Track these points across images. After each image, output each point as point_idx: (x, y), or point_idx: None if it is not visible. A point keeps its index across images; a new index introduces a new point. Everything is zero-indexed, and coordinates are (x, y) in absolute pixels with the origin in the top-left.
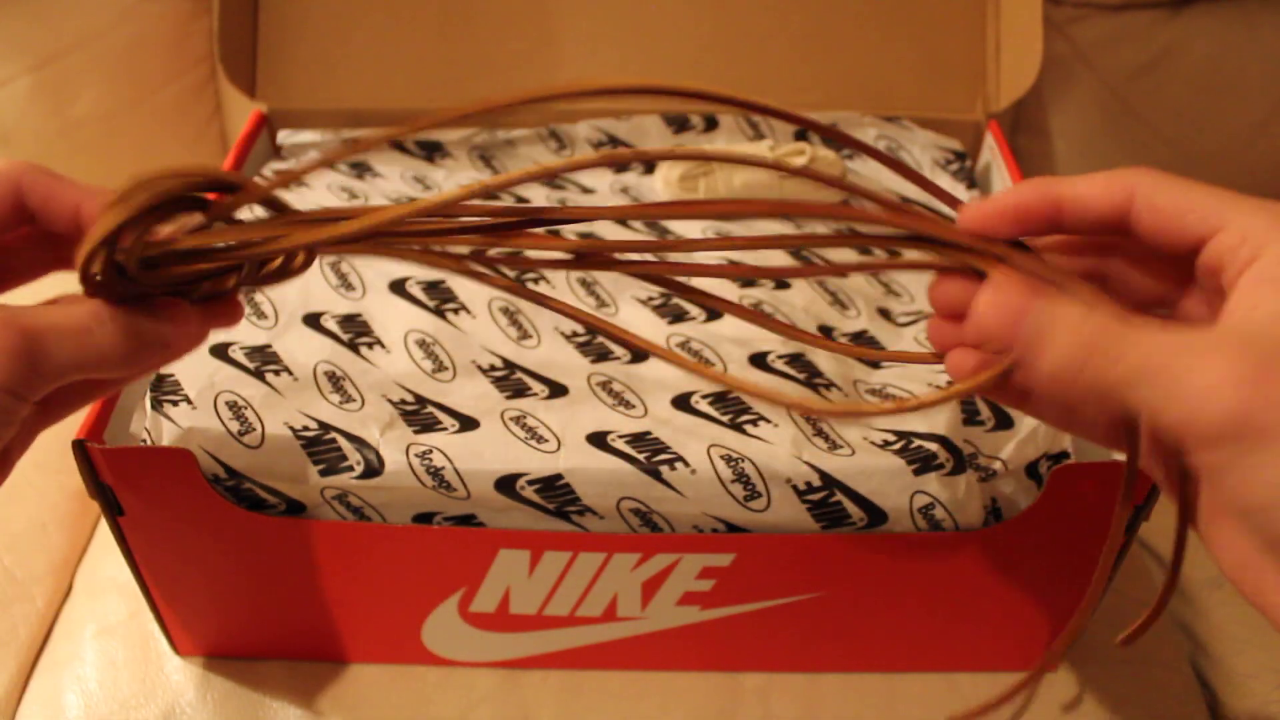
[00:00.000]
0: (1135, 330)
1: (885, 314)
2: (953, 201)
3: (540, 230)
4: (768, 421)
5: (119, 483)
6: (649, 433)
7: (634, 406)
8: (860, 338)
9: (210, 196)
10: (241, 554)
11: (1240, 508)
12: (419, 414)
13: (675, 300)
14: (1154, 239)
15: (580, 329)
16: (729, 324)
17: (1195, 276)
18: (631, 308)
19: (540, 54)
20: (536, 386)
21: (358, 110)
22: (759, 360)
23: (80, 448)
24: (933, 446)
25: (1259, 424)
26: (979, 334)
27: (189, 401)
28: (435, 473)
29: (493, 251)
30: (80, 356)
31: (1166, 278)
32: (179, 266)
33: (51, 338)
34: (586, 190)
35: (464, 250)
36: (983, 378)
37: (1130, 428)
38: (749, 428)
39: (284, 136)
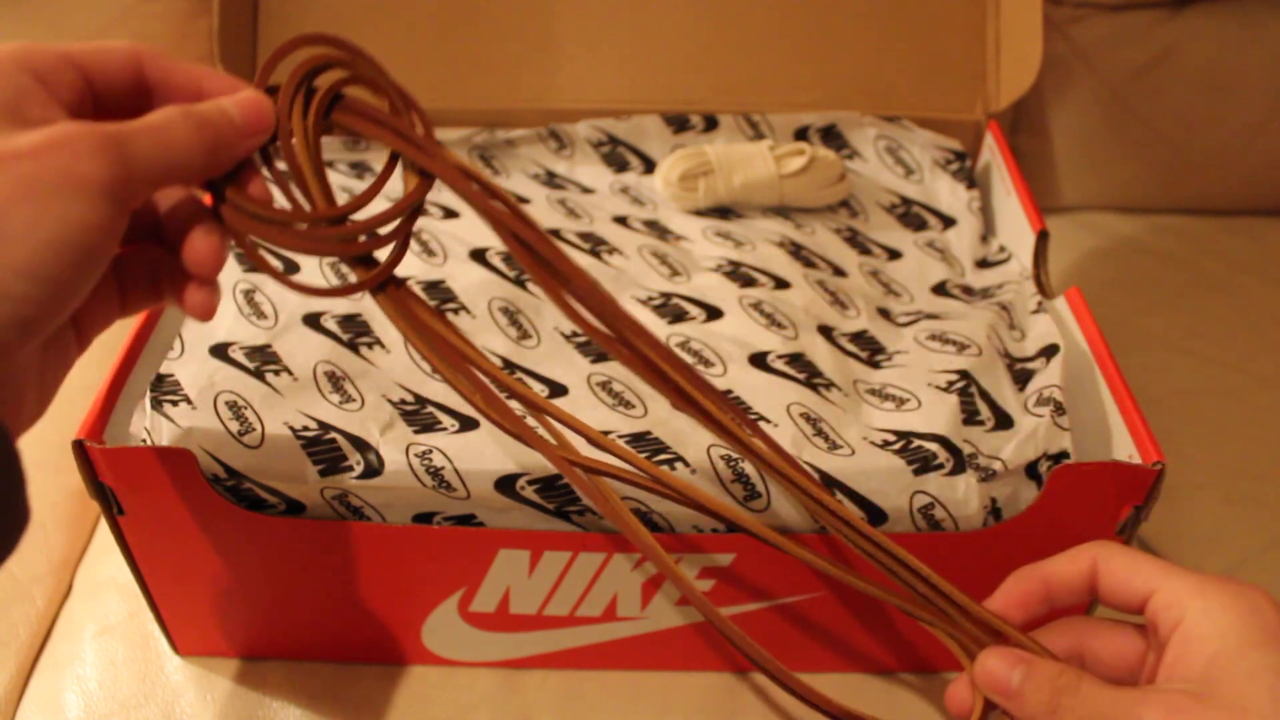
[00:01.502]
0: (1092, 685)
1: (885, 314)
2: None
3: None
4: (767, 421)
5: (119, 483)
6: (649, 432)
7: (634, 406)
8: (860, 337)
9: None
10: (241, 554)
11: None
12: (419, 414)
13: (675, 300)
14: (1112, 599)
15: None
16: (729, 324)
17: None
18: (631, 307)
19: (540, 54)
20: (536, 386)
21: None
22: (759, 360)
23: (80, 448)
24: (933, 446)
25: None
26: (982, 687)
27: (189, 401)
28: (435, 473)
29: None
30: (166, 154)
31: (1129, 653)
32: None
33: (138, 136)
34: (587, 190)
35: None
36: (976, 714)
37: None
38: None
39: None
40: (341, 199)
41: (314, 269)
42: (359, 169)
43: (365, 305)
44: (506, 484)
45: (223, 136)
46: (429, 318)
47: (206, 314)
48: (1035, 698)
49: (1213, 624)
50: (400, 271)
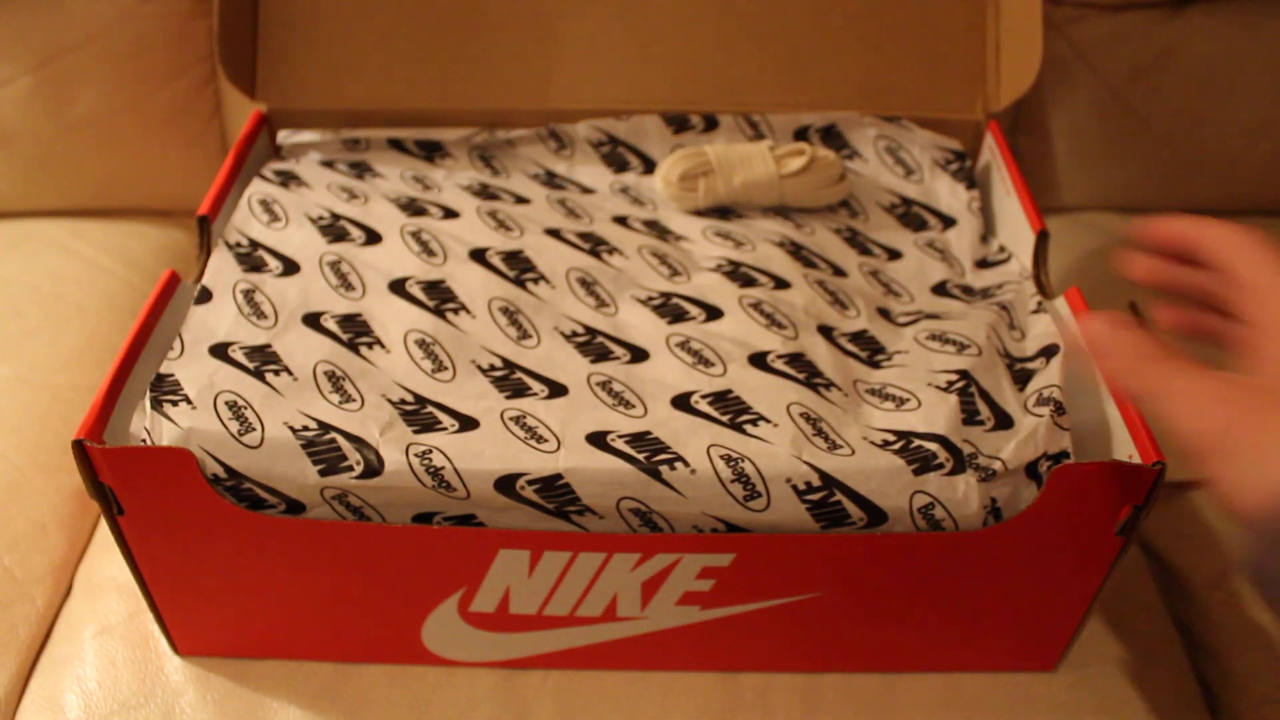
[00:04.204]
0: (1170, 363)
1: (885, 314)
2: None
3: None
4: (768, 421)
5: (119, 483)
6: (649, 432)
7: (634, 406)
8: (860, 337)
9: None
10: (241, 554)
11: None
12: (419, 414)
13: (675, 300)
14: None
15: (580, 328)
16: (729, 324)
17: None
18: (631, 308)
19: (540, 54)
20: (536, 386)
21: (358, 110)
22: (759, 360)
23: (80, 448)
24: (932, 446)
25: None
26: (1084, 338)
27: (189, 401)
28: (435, 472)
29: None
30: None
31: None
32: None
33: None
34: (587, 190)
35: None
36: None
37: None
38: (749, 427)
39: (284, 136)
40: (341, 199)
41: (313, 269)
42: (359, 169)
43: (365, 305)
44: (506, 484)
45: None
46: None
47: None
48: (1122, 358)
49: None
50: (400, 272)
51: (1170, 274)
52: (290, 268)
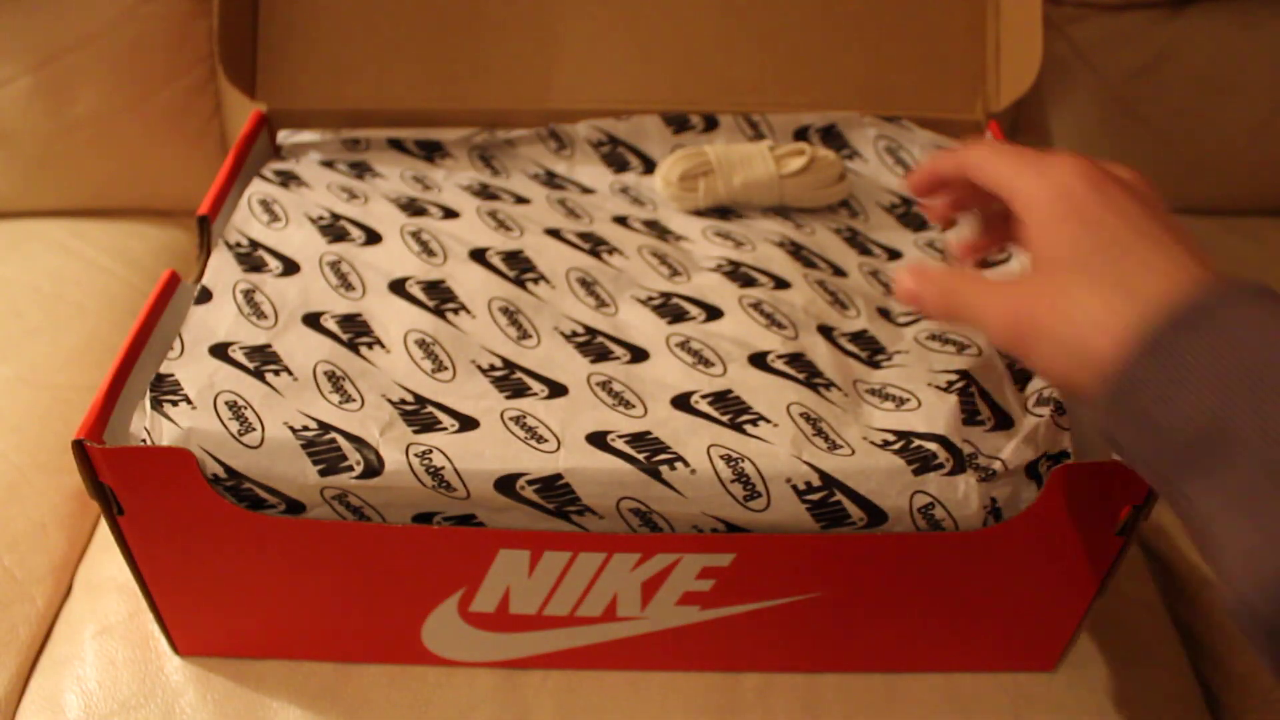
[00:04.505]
0: (965, 283)
1: (885, 314)
2: None
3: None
4: (767, 421)
5: (119, 483)
6: (649, 432)
7: (634, 406)
8: (860, 337)
9: None
10: (241, 554)
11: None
12: (419, 414)
13: (675, 300)
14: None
15: (580, 328)
16: (729, 323)
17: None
18: (631, 307)
19: (540, 54)
20: (536, 386)
21: (358, 110)
22: (758, 360)
23: (80, 448)
24: (932, 446)
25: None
26: (900, 299)
27: (189, 401)
28: (435, 473)
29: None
30: None
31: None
32: None
33: None
34: (587, 190)
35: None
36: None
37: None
38: (749, 427)
39: (284, 136)
40: (341, 199)
41: (313, 269)
42: (358, 169)
43: (365, 305)
44: (506, 484)
45: None
46: None
47: None
48: (931, 297)
49: (1034, 213)
50: (400, 272)
51: (957, 205)
52: (290, 268)
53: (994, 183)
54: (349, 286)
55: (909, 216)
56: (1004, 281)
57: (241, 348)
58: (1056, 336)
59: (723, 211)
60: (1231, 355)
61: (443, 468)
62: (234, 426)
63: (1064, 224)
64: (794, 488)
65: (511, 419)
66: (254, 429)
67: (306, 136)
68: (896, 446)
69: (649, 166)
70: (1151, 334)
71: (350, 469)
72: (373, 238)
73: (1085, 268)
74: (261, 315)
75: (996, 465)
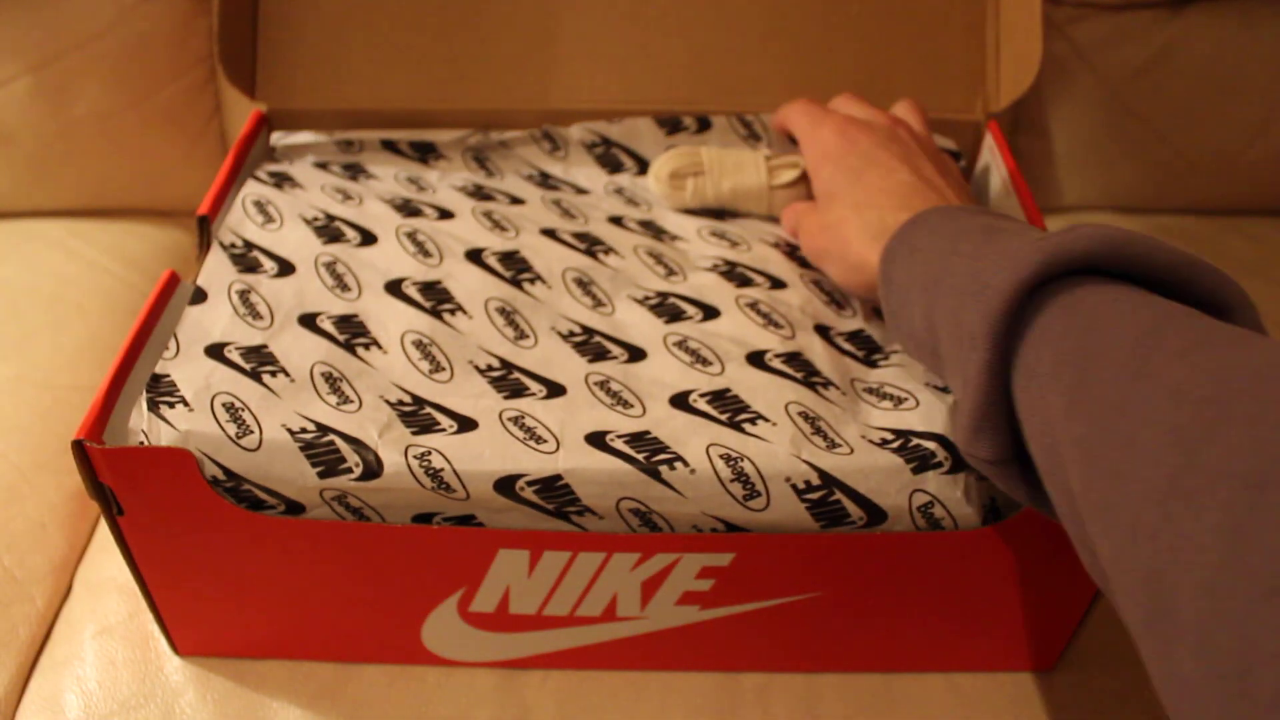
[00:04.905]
0: (804, 213)
1: (881, 314)
2: None
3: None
4: (766, 420)
5: (119, 483)
6: (648, 432)
7: (632, 406)
8: (857, 337)
9: None
10: (241, 554)
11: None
12: (417, 415)
13: (672, 300)
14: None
15: (577, 328)
16: (726, 323)
17: None
18: (628, 307)
19: (535, 55)
20: (534, 386)
21: (357, 110)
22: (756, 359)
23: (80, 448)
24: (931, 445)
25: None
26: (785, 230)
27: (185, 403)
28: (434, 474)
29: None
30: None
31: None
32: None
33: None
34: (582, 191)
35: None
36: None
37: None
38: (748, 426)
39: (277, 138)
40: (336, 200)
41: (309, 270)
42: (352, 170)
43: (361, 306)
44: (506, 485)
45: None
46: None
47: None
48: (788, 227)
49: (808, 159)
50: (396, 272)
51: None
52: (285, 268)
53: (795, 134)
54: (345, 287)
55: None
56: (815, 210)
57: (237, 348)
58: (835, 255)
59: (719, 212)
60: (921, 268)
61: (442, 469)
62: (231, 429)
63: (823, 165)
64: (793, 487)
65: (510, 419)
66: (251, 431)
67: (300, 138)
68: (895, 445)
69: (643, 167)
70: (884, 254)
71: (349, 471)
72: (368, 239)
73: (842, 198)
74: (257, 316)
75: None
